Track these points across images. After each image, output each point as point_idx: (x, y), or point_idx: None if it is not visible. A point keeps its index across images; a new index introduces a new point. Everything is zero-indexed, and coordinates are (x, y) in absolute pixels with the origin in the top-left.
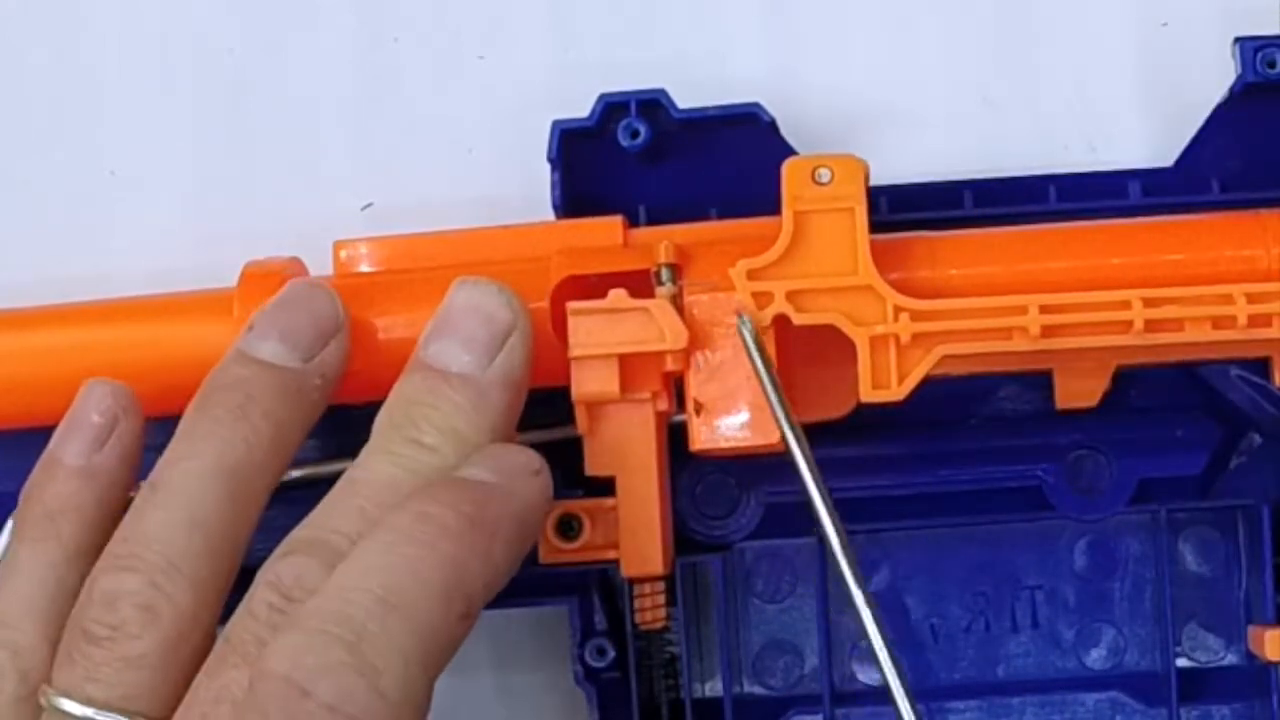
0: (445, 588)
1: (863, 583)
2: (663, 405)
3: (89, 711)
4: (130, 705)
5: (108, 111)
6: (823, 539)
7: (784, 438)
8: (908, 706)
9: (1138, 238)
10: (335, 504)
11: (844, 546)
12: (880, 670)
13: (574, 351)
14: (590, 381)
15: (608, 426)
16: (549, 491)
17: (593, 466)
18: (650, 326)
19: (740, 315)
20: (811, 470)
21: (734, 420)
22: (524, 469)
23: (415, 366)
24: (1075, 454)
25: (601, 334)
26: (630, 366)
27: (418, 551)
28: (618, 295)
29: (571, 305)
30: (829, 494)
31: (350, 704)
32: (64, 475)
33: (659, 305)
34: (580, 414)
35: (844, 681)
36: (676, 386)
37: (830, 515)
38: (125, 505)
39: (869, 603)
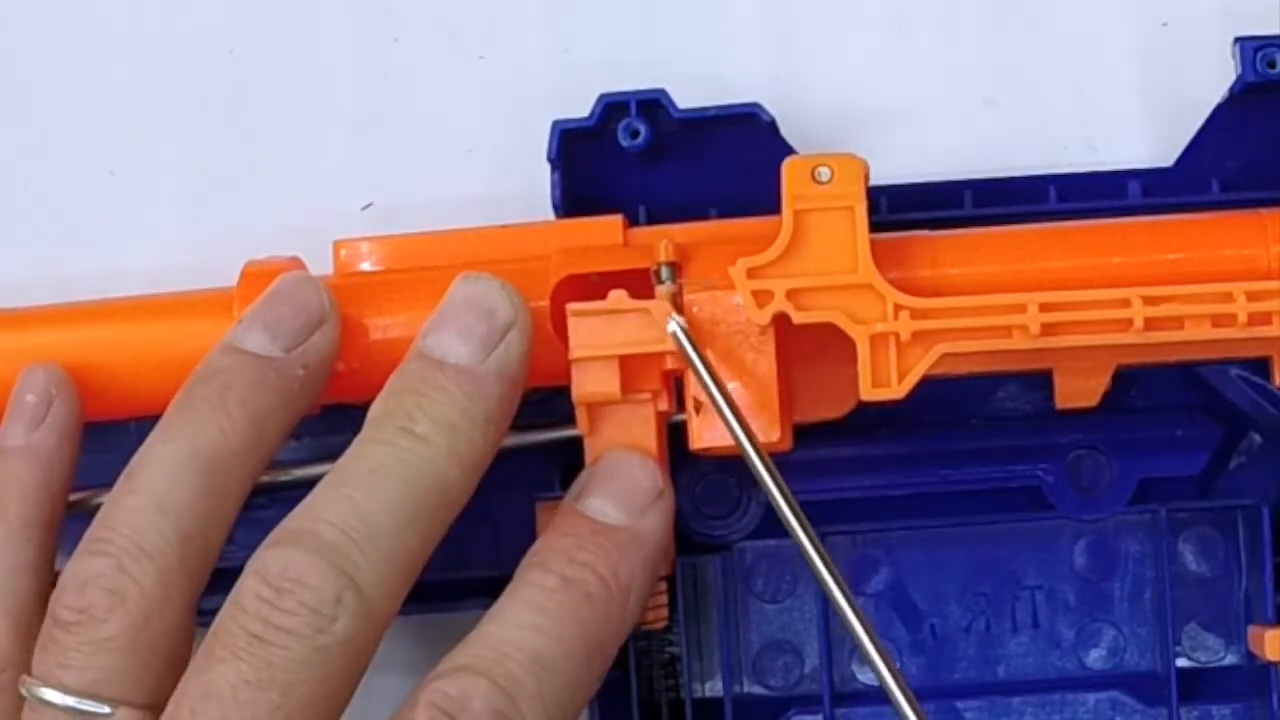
0: (587, 653)
1: (843, 584)
2: (663, 405)
3: (67, 700)
4: (101, 690)
5: (108, 111)
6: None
7: (731, 431)
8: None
9: (1138, 237)
10: (324, 493)
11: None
12: (873, 669)
13: (574, 353)
14: (591, 382)
15: (608, 427)
16: (672, 514)
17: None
18: (650, 327)
19: (672, 316)
20: (769, 469)
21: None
22: (649, 495)
23: (412, 356)
24: (1075, 454)
25: (602, 335)
26: (630, 367)
27: (564, 617)
28: (618, 296)
29: (571, 306)
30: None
31: None
32: (4, 457)
33: (659, 306)
34: (581, 415)
35: (844, 681)
36: (676, 386)
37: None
38: (70, 479)
39: (852, 604)
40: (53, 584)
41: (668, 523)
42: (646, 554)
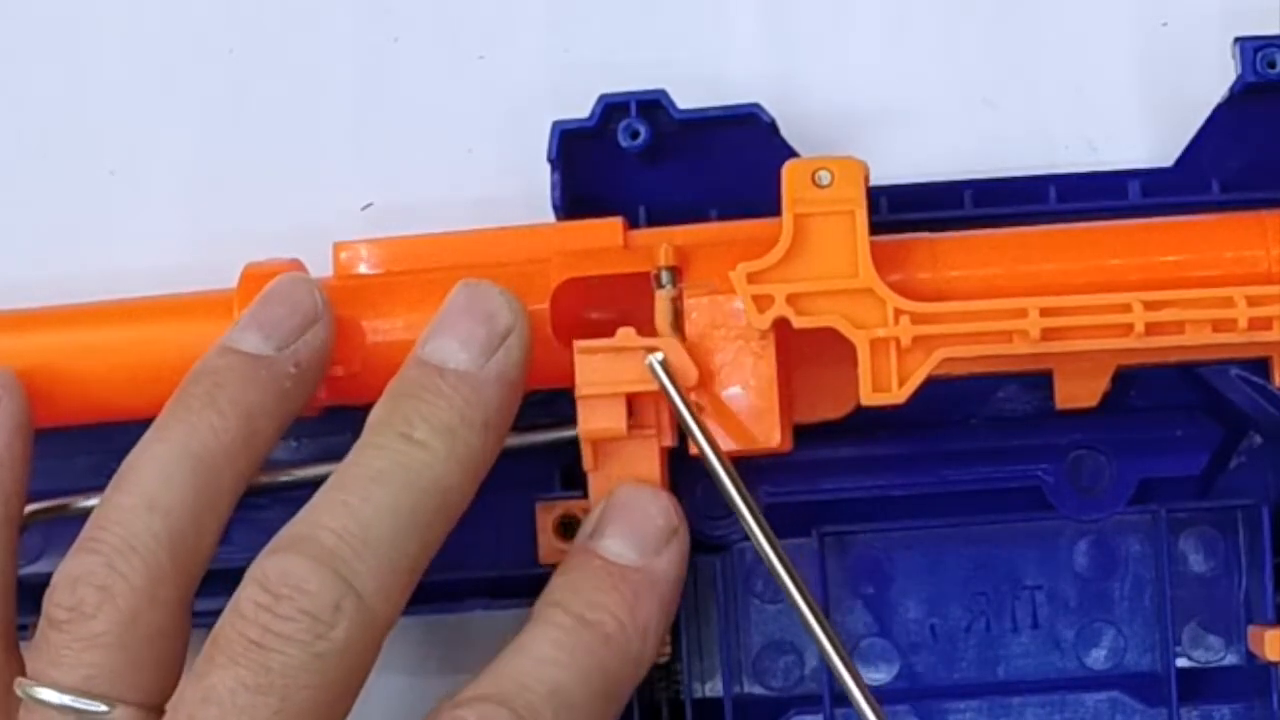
0: (606, 692)
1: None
2: (667, 440)
3: (62, 699)
4: (93, 687)
5: (108, 111)
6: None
7: (706, 463)
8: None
9: (1138, 238)
10: (323, 500)
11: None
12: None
13: (581, 390)
14: (597, 419)
15: (613, 463)
16: (687, 553)
17: (597, 499)
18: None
19: (650, 354)
20: (744, 497)
21: (734, 422)
22: (663, 533)
23: (411, 362)
24: (1075, 454)
25: (608, 372)
26: (636, 403)
27: (583, 655)
28: (625, 334)
29: (578, 344)
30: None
31: None
32: None
33: (668, 344)
34: (586, 451)
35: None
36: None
37: (766, 536)
38: (25, 476)
39: (814, 610)
40: (42, 583)
41: (683, 559)
42: (662, 594)
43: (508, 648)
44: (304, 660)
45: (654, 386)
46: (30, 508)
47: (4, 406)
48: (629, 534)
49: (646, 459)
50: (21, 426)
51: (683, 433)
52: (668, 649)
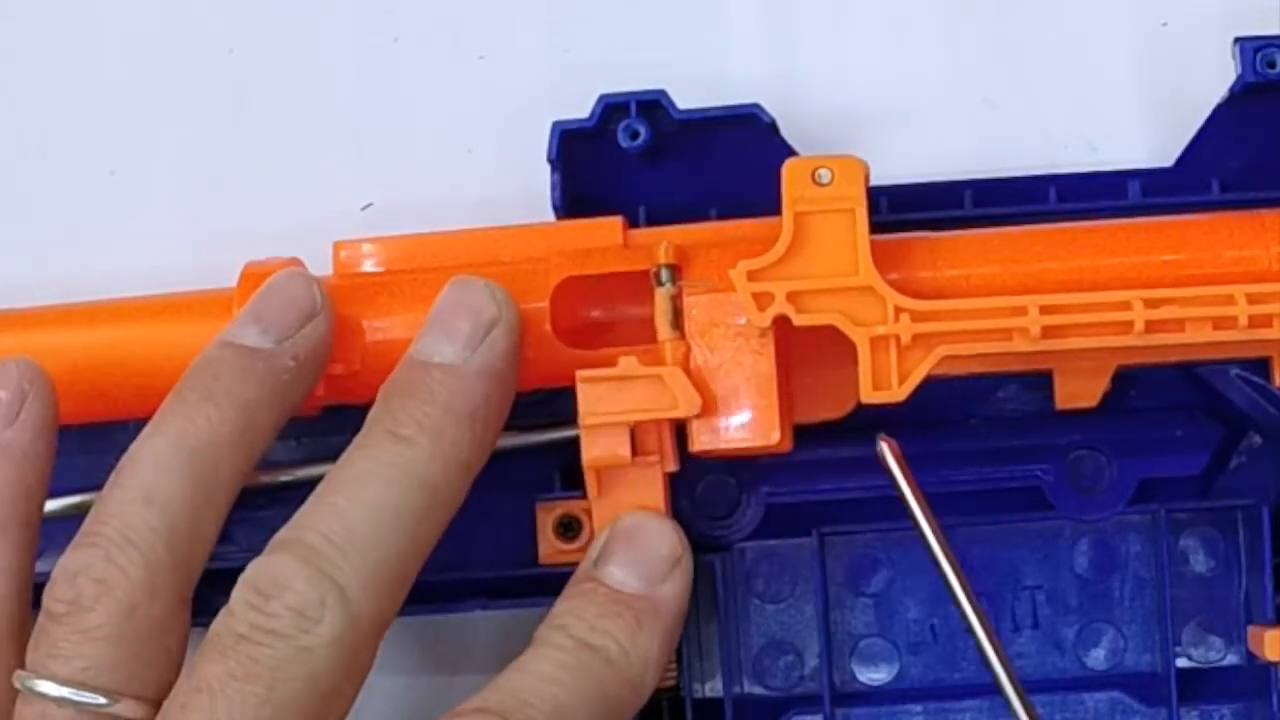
0: (605, 716)
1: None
2: (670, 466)
3: (61, 691)
4: (89, 679)
5: (108, 111)
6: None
7: (927, 547)
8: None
9: (1138, 238)
10: (312, 503)
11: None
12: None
13: (584, 420)
14: (601, 448)
15: (617, 490)
16: (690, 582)
17: (601, 526)
18: (663, 394)
19: (879, 439)
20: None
21: (734, 421)
22: (667, 562)
23: (403, 361)
24: (1075, 454)
25: (611, 401)
26: (639, 430)
27: (585, 676)
28: (629, 363)
29: (581, 373)
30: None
31: None
32: None
33: (671, 372)
34: (590, 479)
35: (844, 682)
36: (679, 441)
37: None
38: (48, 475)
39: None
40: (42, 581)
41: (687, 587)
42: (665, 623)
43: (509, 667)
44: (290, 653)
45: (656, 415)
46: (50, 505)
47: (30, 403)
48: (634, 562)
49: (650, 485)
50: (47, 424)
51: (683, 447)
52: (672, 674)
